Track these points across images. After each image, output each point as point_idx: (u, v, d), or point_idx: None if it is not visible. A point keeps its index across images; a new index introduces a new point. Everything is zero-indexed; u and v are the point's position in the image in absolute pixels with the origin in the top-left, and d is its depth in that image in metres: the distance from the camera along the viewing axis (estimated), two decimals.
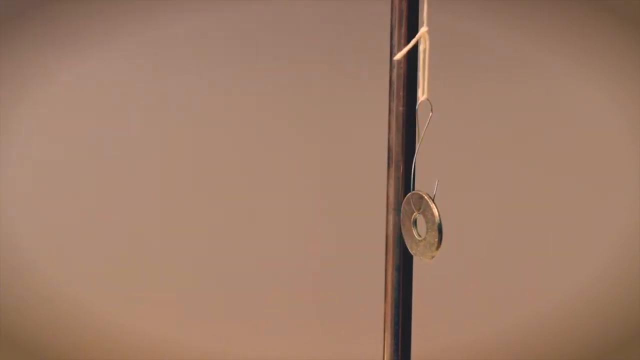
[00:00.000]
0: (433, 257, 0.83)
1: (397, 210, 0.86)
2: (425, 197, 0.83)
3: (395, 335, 0.89)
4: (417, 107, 0.81)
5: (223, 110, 1.64)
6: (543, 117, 1.62)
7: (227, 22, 1.62)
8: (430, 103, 0.80)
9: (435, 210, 0.82)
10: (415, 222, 0.85)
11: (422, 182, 0.86)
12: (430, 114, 0.80)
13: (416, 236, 0.85)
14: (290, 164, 1.64)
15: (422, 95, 0.80)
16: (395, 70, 0.83)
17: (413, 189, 0.85)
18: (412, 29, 0.81)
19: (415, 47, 0.80)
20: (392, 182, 0.86)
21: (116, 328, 1.65)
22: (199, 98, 1.63)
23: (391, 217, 0.87)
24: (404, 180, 0.86)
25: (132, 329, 1.64)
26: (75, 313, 1.64)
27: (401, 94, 0.83)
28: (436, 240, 0.82)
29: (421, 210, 0.84)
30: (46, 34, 1.62)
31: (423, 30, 0.78)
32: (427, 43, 0.78)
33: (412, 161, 0.85)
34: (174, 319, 1.65)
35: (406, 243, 0.86)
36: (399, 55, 0.80)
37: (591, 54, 1.59)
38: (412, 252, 0.86)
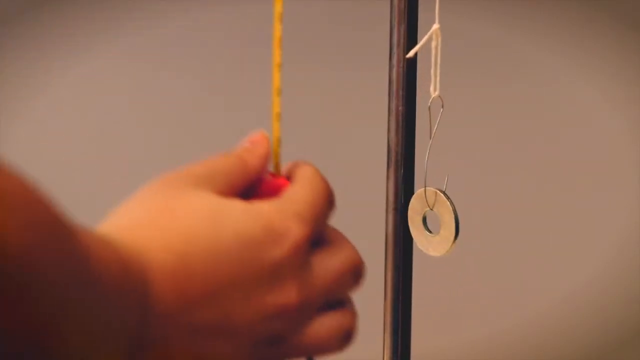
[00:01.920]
0: (449, 251, 0.84)
1: (397, 210, 0.86)
2: (439, 192, 0.84)
3: (395, 335, 0.89)
4: (429, 103, 0.82)
5: (222, 110, 1.64)
6: (543, 117, 1.62)
7: (227, 21, 1.62)
8: (442, 100, 0.80)
9: (451, 206, 0.83)
10: (424, 220, 0.86)
11: (420, 180, 0.86)
12: (441, 110, 0.81)
13: (428, 233, 0.85)
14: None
15: (434, 92, 0.81)
16: (394, 70, 0.83)
17: (425, 186, 0.85)
18: (411, 28, 0.81)
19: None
20: (391, 182, 0.86)
21: None
22: (198, 98, 1.63)
23: (391, 217, 0.87)
24: (404, 180, 0.86)
25: None
26: None
27: (401, 93, 0.83)
28: (453, 234, 0.83)
29: (433, 207, 0.84)
30: (44, 34, 1.62)
31: (435, 27, 0.78)
32: (439, 40, 0.78)
33: (413, 160, 0.85)
34: None
35: (415, 240, 0.86)
36: (411, 53, 0.80)
37: (591, 54, 1.59)
38: (422, 248, 0.86)
